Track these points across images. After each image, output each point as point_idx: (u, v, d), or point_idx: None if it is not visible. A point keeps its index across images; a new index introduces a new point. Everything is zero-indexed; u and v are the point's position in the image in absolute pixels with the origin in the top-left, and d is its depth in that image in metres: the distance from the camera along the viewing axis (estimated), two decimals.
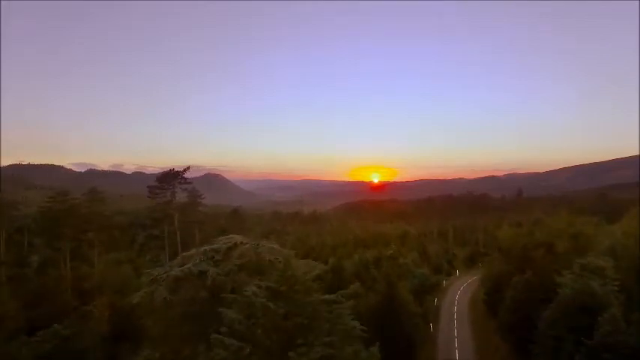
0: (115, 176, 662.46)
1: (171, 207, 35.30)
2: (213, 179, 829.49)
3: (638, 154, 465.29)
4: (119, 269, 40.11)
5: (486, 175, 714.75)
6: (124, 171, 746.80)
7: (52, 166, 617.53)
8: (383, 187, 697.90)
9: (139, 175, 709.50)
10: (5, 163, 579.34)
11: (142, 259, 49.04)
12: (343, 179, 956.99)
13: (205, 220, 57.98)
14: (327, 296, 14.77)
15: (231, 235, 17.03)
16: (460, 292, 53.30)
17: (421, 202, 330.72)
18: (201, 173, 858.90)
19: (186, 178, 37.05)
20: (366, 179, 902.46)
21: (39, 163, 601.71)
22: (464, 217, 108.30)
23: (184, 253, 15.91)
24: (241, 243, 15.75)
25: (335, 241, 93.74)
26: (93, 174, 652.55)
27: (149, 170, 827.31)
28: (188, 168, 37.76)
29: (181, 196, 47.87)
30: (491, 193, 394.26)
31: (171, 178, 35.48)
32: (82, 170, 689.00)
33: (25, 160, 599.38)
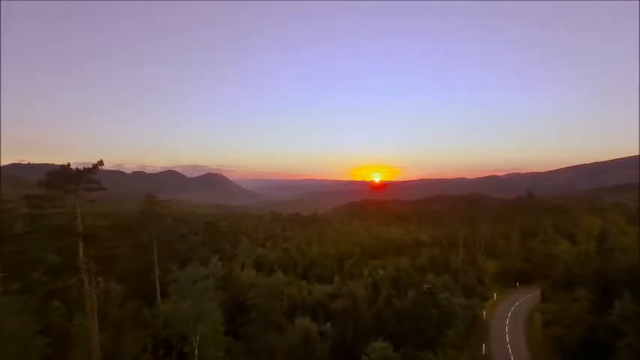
0: (115, 176, 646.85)
1: (75, 227, 21.03)
2: (214, 179, 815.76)
3: (638, 154, 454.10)
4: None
5: (487, 174, 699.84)
6: (124, 170, 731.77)
7: (52, 165, 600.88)
8: (384, 186, 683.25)
9: (139, 175, 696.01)
10: (5, 162, 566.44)
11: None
12: (344, 179, 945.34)
13: (170, 235, 43.98)
14: None
15: None
16: (509, 328, 39.57)
17: (424, 202, 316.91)
18: (202, 173, 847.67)
19: (93, 180, 22.95)
20: (367, 179, 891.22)
21: (39, 162, 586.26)
22: (481, 223, 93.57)
23: None
24: None
25: (340, 251, 79.92)
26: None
27: (149, 170, 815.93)
28: (99, 163, 23.70)
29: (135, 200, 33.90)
30: (493, 193, 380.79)
31: (68, 179, 21.47)
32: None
33: (26, 160, 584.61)
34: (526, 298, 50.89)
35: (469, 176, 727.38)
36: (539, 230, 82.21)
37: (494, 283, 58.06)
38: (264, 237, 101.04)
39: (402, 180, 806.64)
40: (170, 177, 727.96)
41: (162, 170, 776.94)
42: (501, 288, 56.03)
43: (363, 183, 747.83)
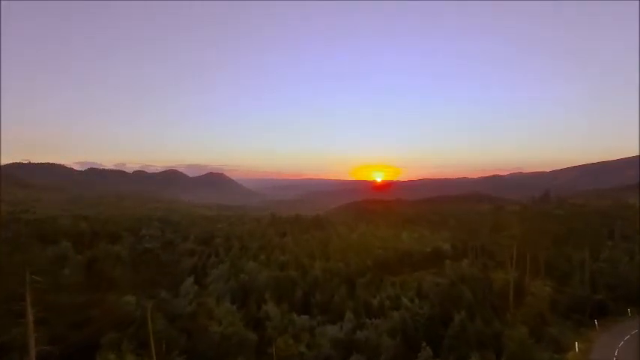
0: (115, 175, 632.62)
1: None
2: (216, 178, 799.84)
3: (639, 154, 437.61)
4: None
5: (490, 174, 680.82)
6: (125, 170, 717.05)
7: (53, 164, 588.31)
8: (386, 186, 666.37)
9: (140, 174, 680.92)
10: (7, 161, 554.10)
11: None
12: (345, 178, 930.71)
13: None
14: None
15: None
16: None
17: (429, 202, 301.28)
18: (204, 172, 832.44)
19: None
20: (369, 178, 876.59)
21: (39, 162, 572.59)
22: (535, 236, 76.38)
23: None
24: None
25: (349, 267, 64.42)
26: (94, 173, 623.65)
27: (150, 169, 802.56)
28: None
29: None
30: (497, 193, 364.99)
31: None
32: (83, 169, 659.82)
33: (27, 159, 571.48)
34: (620, 348, 35.22)
35: (472, 175, 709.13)
36: (589, 241, 66.38)
37: (559, 318, 42.28)
38: (258, 245, 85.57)
39: (403, 180, 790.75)
40: (172, 176, 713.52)
41: (164, 170, 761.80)
42: (574, 328, 40.26)
43: (365, 182, 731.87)
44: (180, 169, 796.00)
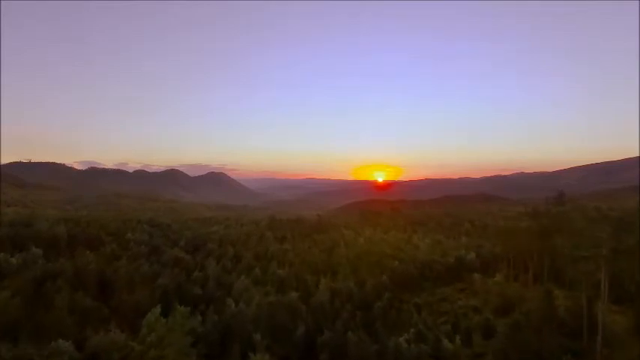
0: (116, 175, 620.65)
1: None
2: (217, 178, 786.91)
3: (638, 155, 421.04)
4: None
5: (493, 174, 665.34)
6: (126, 169, 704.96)
7: (54, 164, 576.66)
8: (388, 186, 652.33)
9: (141, 174, 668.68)
10: (7, 160, 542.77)
11: None
12: (347, 178, 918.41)
13: None
14: None
15: None
16: None
17: (434, 203, 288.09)
18: (205, 172, 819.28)
19: None
20: (370, 178, 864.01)
21: (39, 161, 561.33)
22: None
23: None
24: None
25: (362, 289, 51.68)
26: (94, 172, 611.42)
27: (152, 169, 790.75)
28: None
29: None
30: (501, 194, 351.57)
31: None
32: (84, 168, 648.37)
33: (27, 158, 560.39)
34: None
35: (475, 175, 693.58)
36: None
37: None
38: (253, 254, 72.97)
39: (405, 180, 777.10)
40: (173, 176, 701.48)
41: (165, 169, 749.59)
42: None
43: (367, 182, 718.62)
44: (181, 169, 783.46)
